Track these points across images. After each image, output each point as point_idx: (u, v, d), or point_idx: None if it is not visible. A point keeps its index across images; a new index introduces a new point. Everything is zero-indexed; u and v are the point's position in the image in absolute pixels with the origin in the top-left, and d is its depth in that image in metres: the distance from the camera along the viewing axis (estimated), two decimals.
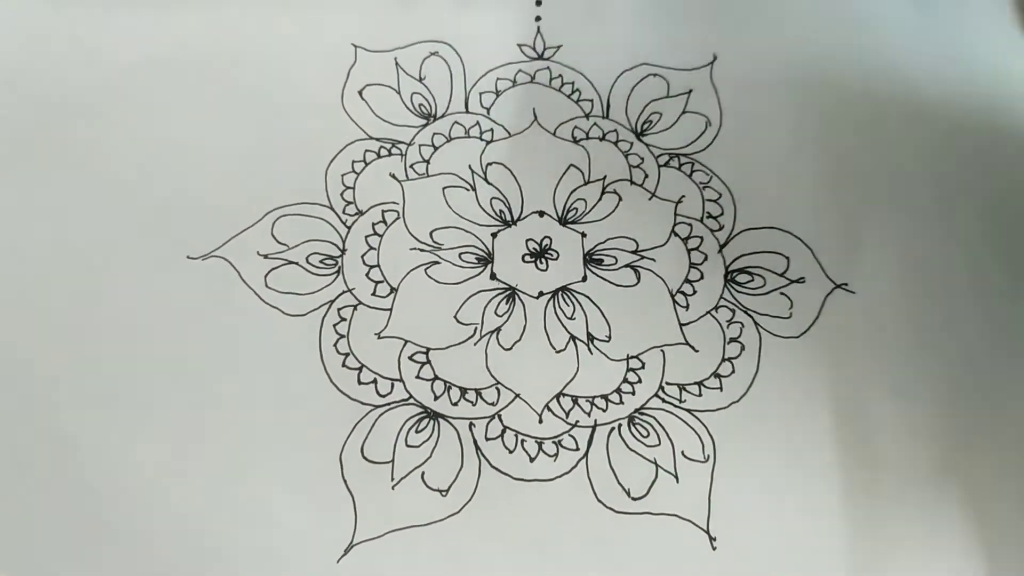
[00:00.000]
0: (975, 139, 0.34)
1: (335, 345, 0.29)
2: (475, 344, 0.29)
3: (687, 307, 0.31)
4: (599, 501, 0.27)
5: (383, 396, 0.28)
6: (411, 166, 0.33)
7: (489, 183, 0.33)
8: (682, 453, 0.28)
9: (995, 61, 0.35)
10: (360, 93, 0.34)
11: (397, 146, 0.33)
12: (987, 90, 0.35)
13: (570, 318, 0.30)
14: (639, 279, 0.31)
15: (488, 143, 0.33)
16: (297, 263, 0.31)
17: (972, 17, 0.36)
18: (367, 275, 0.31)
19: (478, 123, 0.34)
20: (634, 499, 0.27)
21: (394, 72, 0.35)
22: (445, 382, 0.29)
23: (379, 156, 0.33)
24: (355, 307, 0.30)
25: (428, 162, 0.33)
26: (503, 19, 0.36)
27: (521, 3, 0.36)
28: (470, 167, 0.33)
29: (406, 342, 0.29)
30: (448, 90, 0.35)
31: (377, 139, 0.33)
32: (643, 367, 0.29)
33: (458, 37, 0.36)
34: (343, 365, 0.29)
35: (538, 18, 0.36)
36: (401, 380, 0.29)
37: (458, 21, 0.36)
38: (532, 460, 0.28)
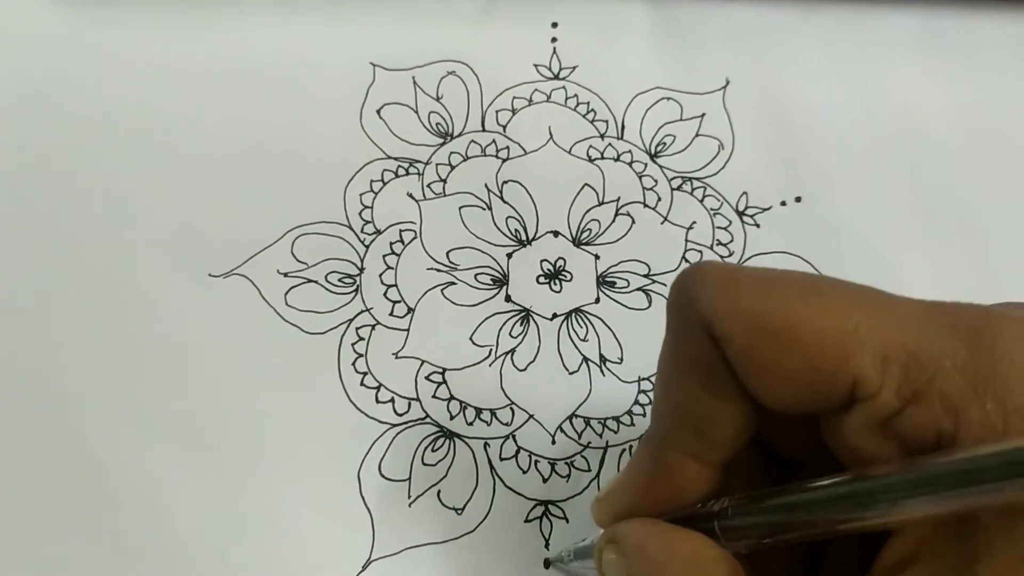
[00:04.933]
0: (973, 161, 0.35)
1: (354, 364, 0.30)
2: (490, 365, 0.30)
3: None
4: None
5: (400, 415, 0.29)
6: (428, 185, 0.33)
7: (505, 201, 0.33)
8: None
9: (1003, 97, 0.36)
10: (378, 112, 0.35)
11: (415, 165, 0.34)
12: (987, 120, 0.36)
13: (583, 340, 0.31)
14: (650, 303, 0.32)
15: (504, 161, 0.34)
16: (316, 282, 0.31)
17: (983, 58, 0.37)
18: (385, 295, 0.31)
19: (494, 141, 0.35)
20: None
21: (412, 91, 0.35)
22: (461, 402, 0.29)
23: (397, 175, 0.33)
24: (373, 327, 0.31)
25: (445, 181, 0.34)
26: (519, 39, 0.37)
27: (537, 24, 0.37)
28: (486, 185, 0.34)
29: (423, 362, 0.30)
30: (465, 109, 0.35)
31: (395, 158, 0.34)
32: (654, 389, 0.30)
33: (475, 56, 0.36)
34: (361, 384, 0.30)
35: (554, 39, 0.37)
36: (418, 399, 0.29)
37: (475, 41, 0.36)
38: (545, 481, 0.28)
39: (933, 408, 0.16)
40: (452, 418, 0.29)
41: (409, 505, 0.28)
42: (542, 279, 0.32)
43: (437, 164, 0.34)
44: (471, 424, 0.29)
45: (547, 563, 0.27)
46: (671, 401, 0.21)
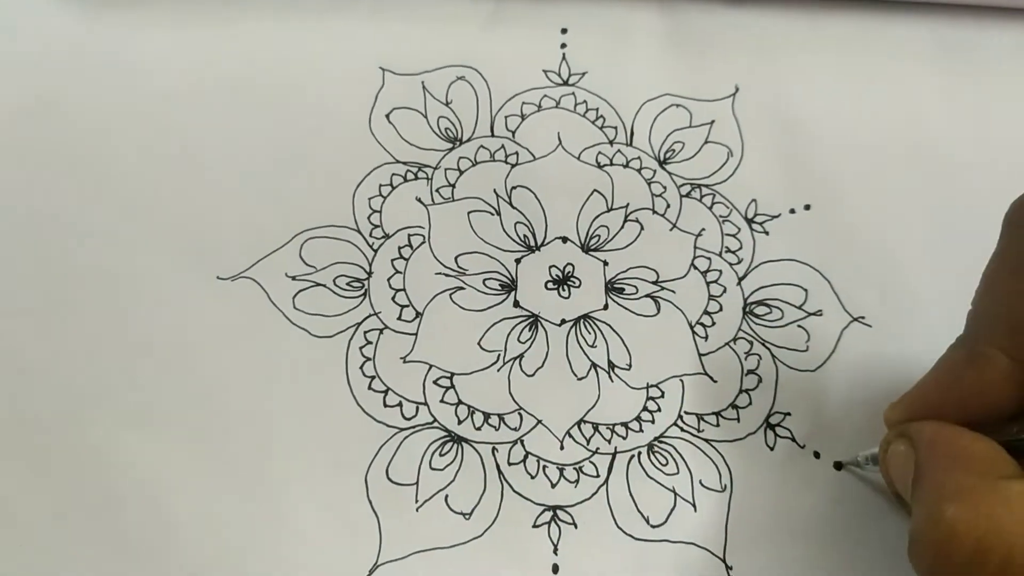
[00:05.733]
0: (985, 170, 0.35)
1: (361, 368, 0.30)
2: (498, 370, 0.30)
3: (706, 338, 0.31)
4: (619, 528, 0.28)
5: (408, 419, 0.29)
6: (437, 190, 0.33)
7: (514, 207, 0.33)
8: (700, 482, 0.29)
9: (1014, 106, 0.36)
10: (387, 117, 0.35)
11: (424, 170, 0.34)
12: (999, 129, 0.36)
13: (591, 346, 0.31)
14: (659, 309, 0.32)
15: (513, 166, 0.34)
16: (325, 285, 0.31)
17: (996, 67, 0.37)
18: (393, 299, 0.31)
19: (503, 146, 0.35)
20: (653, 527, 0.28)
21: (421, 96, 0.35)
22: (469, 407, 0.29)
23: (405, 180, 0.34)
24: (381, 331, 0.31)
25: (454, 186, 0.34)
26: (529, 45, 0.37)
27: (547, 30, 0.37)
28: (495, 191, 0.34)
29: (431, 367, 0.30)
30: (474, 114, 0.35)
31: (404, 163, 0.34)
32: (662, 396, 0.30)
33: (484, 62, 0.36)
34: (369, 388, 0.29)
35: (563, 45, 0.37)
36: (426, 404, 0.29)
37: (485, 46, 0.36)
38: (554, 486, 0.28)
39: None
40: (460, 423, 0.29)
41: (416, 510, 0.28)
42: (551, 285, 0.32)
43: (446, 169, 0.34)
44: (479, 429, 0.29)
45: (838, 465, 0.29)
46: (991, 300, 0.24)
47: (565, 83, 0.36)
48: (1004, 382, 0.23)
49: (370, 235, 0.32)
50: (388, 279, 0.32)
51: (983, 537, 0.19)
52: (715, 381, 0.30)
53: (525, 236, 0.33)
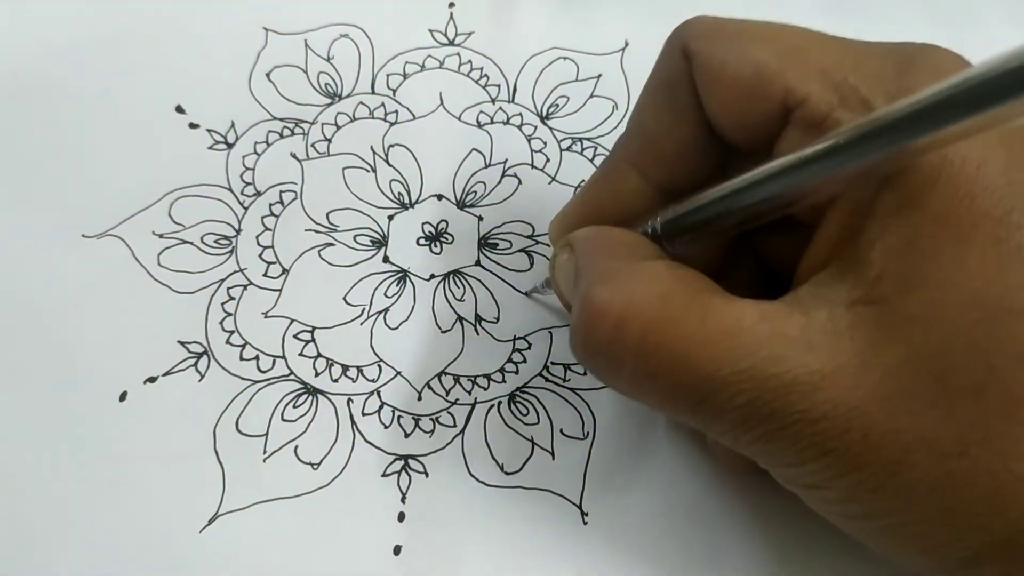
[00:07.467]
0: None
1: (221, 323, 0.29)
2: (361, 324, 0.30)
3: None
4: (471, 475, 0.27)
5: (263, 372, 0.29)
6: (312, 145, 0.33)
7: (390, 164, 0.33)
8: (560, 431, 0.28)
9: None
10: (268, 75, 0.34)
11: (300, 125, 0.33)
12: None
13: (459, 300, 0.30)
14: (532, 264, 0.31)
15: (392, 125, 0.34)
16: (191, 243, 0.31)
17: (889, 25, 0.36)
18: (260, 256, 0.31)
19: (383, 104, 0.34)
20: (507, 474, 0.27)
21: (303, 53, 0.35)
22: (327, 359, 0.29)
23: (282, 136, 0.33)
24: (245, 287, 0.30)
25: (330, 141, 0.33)
26: (416, 5, 0.36)
27: None
28: (372, 148, 0.33)
29: (292, 321, 0.29)
30: (356, 71, 0.35)
31: (280, 119, 0.33)
32: (529, 348, 0.29)
33: (370, 21, 0.36)
34: (227, 342, 0.29)
35: (452, 4, 0.37)
36: (283, 357, 0.29)
37: (371, 6, 0.36)
38: (407, 436, 0.28)
39: (852, 112, 0.19)
40: (317, 375, 0.29)
41: (264, 460, 0.27)
42: (423, 241, 0.31)
43: (323, 124, 0.33)
44: (336, 381, 0.29)
45: (526, 294, 0.30)
46: (634, 118, 0.24)
47: (451, 43, 0.36)
48: (635, 197, 0.24)
49: (242, 193, 0.32)
50: (257, 236, 0.31)
51: (623, 312, 0.19)
52: None
53: (400, 194, 0.32)
